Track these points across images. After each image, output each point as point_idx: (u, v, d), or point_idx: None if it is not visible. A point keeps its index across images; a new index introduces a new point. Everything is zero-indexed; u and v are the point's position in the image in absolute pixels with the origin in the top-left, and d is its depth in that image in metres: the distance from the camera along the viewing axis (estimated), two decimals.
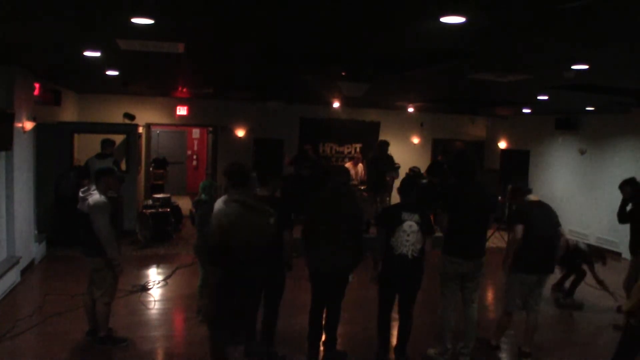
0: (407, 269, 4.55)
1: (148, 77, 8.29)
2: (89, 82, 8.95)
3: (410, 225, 4.50)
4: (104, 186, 4.85)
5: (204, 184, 5.87)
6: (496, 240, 9.80)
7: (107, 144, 8.84)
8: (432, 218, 4.85)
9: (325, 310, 4.77)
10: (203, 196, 5.56)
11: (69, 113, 10.17)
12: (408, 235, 4.50)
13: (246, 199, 3.91)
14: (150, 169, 12.12)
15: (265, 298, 4.73)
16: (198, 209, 5.61)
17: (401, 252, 4.52)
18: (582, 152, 10.85)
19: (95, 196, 4.74)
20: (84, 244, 4.86)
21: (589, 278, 8.02)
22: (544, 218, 4.92)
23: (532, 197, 5.10)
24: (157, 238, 9.10)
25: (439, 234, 4.78)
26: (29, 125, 7.14)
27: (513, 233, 4.87)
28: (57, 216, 8.43)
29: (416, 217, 4.51)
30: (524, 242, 4.79)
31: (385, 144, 10.49)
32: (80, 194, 4.83)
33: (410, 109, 12.18)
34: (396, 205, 4.86)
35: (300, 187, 8.68)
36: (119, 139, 9.88)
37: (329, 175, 4.85)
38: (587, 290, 7.51)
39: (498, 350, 5.22)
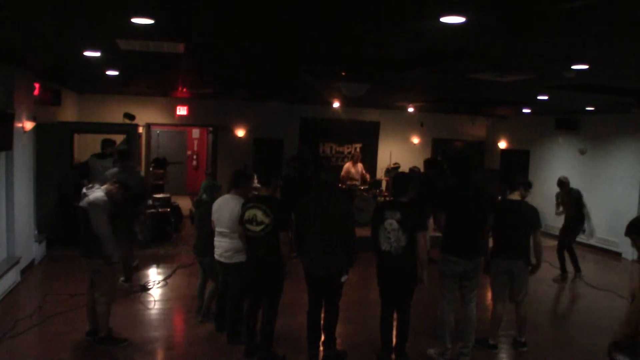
0: (392, 265, 4.59)
1: (148, 77, 8.29)
2: (89, 82, 8.96)
3: (390, 223, 4.54)
4: (112, 193, 4.83)
5: (205, 184, 5.85)
6: None
7: (107, 143, 8.84)
8: (431, 217, 4.85)
9: (323, 311, 4.77)
10: (204, 196, 5.54)
11: (69, 113, 10.17)
12: (389, 232, 4.55)
13: (123, 167, 6.34)
14: (150, 169, 12.12)
15: (265, 298, 4.74)
16: (198, 208, 5.60)
17: (384, 248, 4.59)
18: (582, 152, 10.85)
19: (96, 193, 4.71)
20: (83, 244, 4.81)
21: (588, 278, 8.03)
22: (514, 215, 5.12)
23: (513, 196, 5.24)
24: (157, 238, 9.10)
25: (437, 233, 4.78)
26: (29, 125, 7.14)
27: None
28: (59, 216, 8.43)
29: (397, 215, 4.54)
30: (497, 234, 5.07)
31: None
32: (84, 190, 4.79)
33: (410, 109, 12.18)
34: (384, 203, 4.88)
35: (290, 188, 8.68)
36: (119, 139, 9.87)
37: (318, 176, 4.87)
38: (588, 291, 7.52)
39: (497, 349, 5.23)
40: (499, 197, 7.06)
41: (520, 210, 5.14)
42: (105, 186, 4.87)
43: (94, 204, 4.67)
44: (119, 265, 4.90)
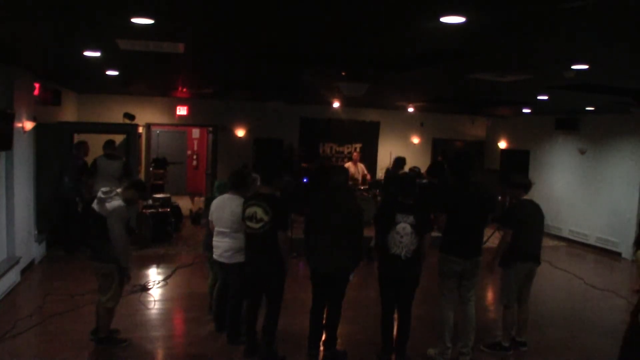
0: (400, 268, 4.56)
1: (148, 77, 8.29)
2: (89, 82, 8.95)
3: (404, 227, 4.48)
4: (130, 196, 4.77)
5: (217, 183, 5.84)
6: (496, 240, 9.79)
7: (109, 145, 8.82)
8: (432, 218, 4.84)
9: (326, 310, 4.77)
10: (216, 195, 5.52)
11: (69, 113, 10.17)
12: (401, 237, 4.49)
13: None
14: (150, 169, 12.13)
15: (266, 297, 4.75)
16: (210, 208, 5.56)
17: (394, 252, 4.53)
18: (582, 152, 10.85)
19: (115, 201, 4.61)
20: (95, 248, 4.77)
21: (588, 278, 8.03)
22: (535, 216, 5.14)
23: (527, 196, 5.22)
24: (157, 238, 9.10)
25: (437, 233, 4.78)
26: (29, 125, 7.14)
27: (503, 236, 5.03)
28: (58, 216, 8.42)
29: (411, 218, 4.48)
30: (518, 236, 4.96)
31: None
32: (101, 195, 4.66)
33: (410, 109, 12.19)
34: (391, 204, 4.78)
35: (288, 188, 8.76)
36: (119, 139, 9.86)
37: (329, 174, 4.85)
38: (588, 291, 7.52)
39: (511, 350, 5.19)
40: (499, 198, 7.05)
41: (540, 211, 5.17)
42: (119, 190, 4.79)
43: (114, 214, 4.57)
44: (127, 278, 4.90)
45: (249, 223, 4.61)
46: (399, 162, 9.63)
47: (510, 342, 5.22)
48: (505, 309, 5.19)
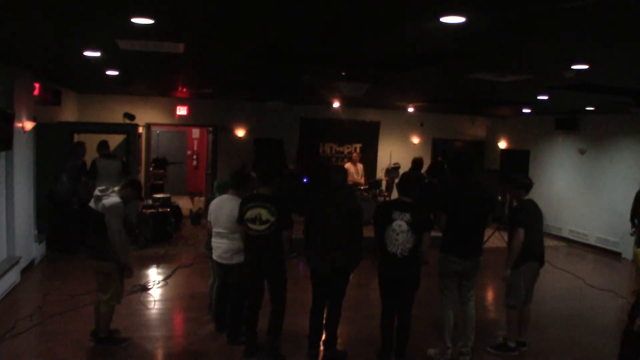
0: (397, 267, 4.56)
1: (148, 77, 8.29)
2: (89, 82, 8.95)
3: (399, 224, 4.48)
4: (126, 194, 4.78)
5: (217, 183, 5.83)
6: (496, 240, 9.81)
7: (103, 145, 8.81)
8: (432, 218, 4.84)
9: (326, 310, 4.77)
10: (216, 194, 5.52)
11: (69, 113, 10.17)
12: (397, 234, 4.49)
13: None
14: (150, 169, 12.13)
15: (270, 297, 4.76)
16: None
17: (391, 250, 4.53)
18: (582, 152, 10.86)
19: (112, 198, 4.63)
20: (92, 246, 4.76)
21: (588, 278, 8.03)
22: (536, 216, 5.13)
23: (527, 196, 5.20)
24: (157, 238, 9.10)
25: (437, 233, 4.78)
26: (29, 125, 7.14)
27: (516, 236, 4.94)
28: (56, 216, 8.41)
29: (407, 216, 4.48)
30: (529, 236, 4.93)
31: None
32: (97, 193, 4.69)
33: (410, 109, 12.19)
34: (389, 202, 4.81)
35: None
36: (119, 139, 9.85)
37: (328, 174, 4.85)
38: (588, 291, 7.52)
39: (516, 351, 5.17)
40: (499, 197, 7.05)
41: (539, 210, 5.17)
42: (117, 189, 4.82)
43: (111, 209, 4.59)
44: (129, 271, 4.90)
45: (251, 225, 4.58)
46: (416, 163, 9.96)
47: (516, 342, 5.22)
48: (510, 310, 5.16)
